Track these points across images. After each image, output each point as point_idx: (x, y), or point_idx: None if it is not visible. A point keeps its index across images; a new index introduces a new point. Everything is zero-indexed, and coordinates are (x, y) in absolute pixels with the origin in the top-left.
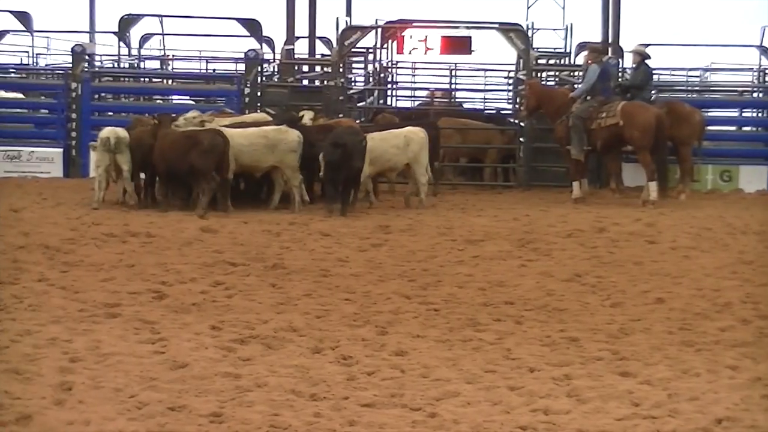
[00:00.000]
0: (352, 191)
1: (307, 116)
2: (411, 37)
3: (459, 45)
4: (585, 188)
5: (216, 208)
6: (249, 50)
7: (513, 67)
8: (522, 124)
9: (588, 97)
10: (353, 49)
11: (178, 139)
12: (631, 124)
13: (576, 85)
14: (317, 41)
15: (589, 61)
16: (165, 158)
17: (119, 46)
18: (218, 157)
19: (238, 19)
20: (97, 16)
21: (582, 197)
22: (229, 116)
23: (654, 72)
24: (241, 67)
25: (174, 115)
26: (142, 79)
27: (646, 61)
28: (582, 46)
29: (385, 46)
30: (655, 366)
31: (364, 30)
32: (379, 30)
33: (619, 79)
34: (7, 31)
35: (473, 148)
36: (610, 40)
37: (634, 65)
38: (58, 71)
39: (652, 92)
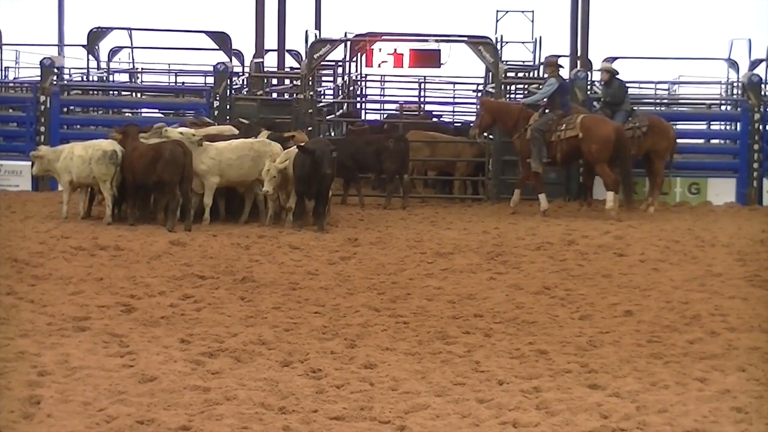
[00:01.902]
0: (326, 204)
1: (262, 135)
2: (380, 50)
3: (428, 58)
4: (545, 203)
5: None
6: (218, 63)
7: (482, 80)
8: (492, 137)
9: (547, 110)
10: (322, 62)
11: (145, 151)
12: (590, 137)
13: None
14: (286, 54)
15: (548, 75)
16: (133, 171)
17: (88, 60)
18: (181, 169)
19: (207, 33)
20: (66, 30)
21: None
22: (207, 125)
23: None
24: (211, 80)
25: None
26: (111, 93)
27: (617, 76)
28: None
29: (355, 59)
30: (624, 378)
31: (334, 43)
32: (349, 43)
33: (598, 96)
34: None
35: (442, 161)
36: (578, 54)
37: (603, 82)
38: (27, 84)
39: (632, 106)
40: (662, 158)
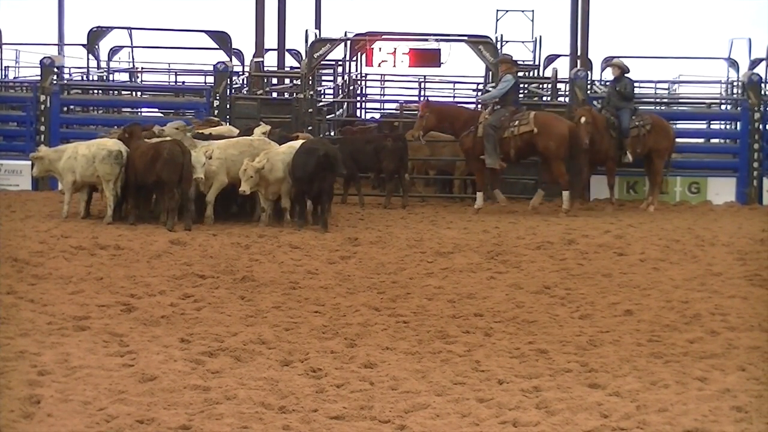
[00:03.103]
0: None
1: (259, 131)
2: (380, 49)
3: (428, 57)
4: (480, 202)
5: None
6: (218, 63)
7: (482, 80)
8: None
9: (498, 107)
10: (322, 62)
11: (145, 150)
12: (546, 133)
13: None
14: (286, 54)
15: (503, 72)
16: (134, 170)
17: (88, 59)
18: (180, 168)
19: (207, 32)
20: (66, 29)
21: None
22: (215, 124)
23: None
24: (211, 79)
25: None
26: (111, 92)
27: (627, 74)
28: (551, 59)
29: (355, 58)
30: (624, 378)
31: (334, 42)
32: (349, 42)
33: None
34: None
35: (443, 161)
36: (578, 53)
37: (613, 78)
38: (27, 84)
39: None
40: (663, 157)
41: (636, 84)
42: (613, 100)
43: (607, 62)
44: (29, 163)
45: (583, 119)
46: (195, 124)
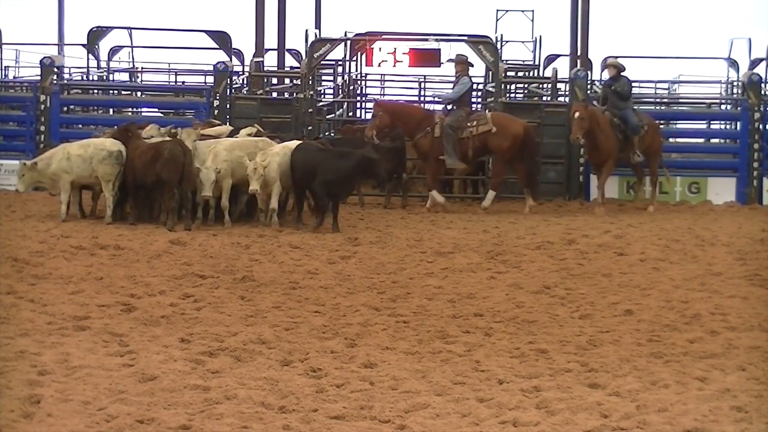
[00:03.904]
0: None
1: (245, 132)
2: (380, 49)
3: (428, 57)
4: (440, 198)
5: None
6: (218, 62)
7: (482, 80)
8: None
9: (455, 107)
10: (322, 62)
11: (145, 150)
12: (503, 133)
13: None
14: (286, 53)
15: (459, 73)
16: (134, 170)
17: (88, 59)
18: (181, 168)
19: (207, 32)
20: (66, 29)
21: (438, 206)
22: (213, 126)
23: None
24: (211, 79)
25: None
26: (111, 92)
27: (623, 73)
28: (551, 59)
29: (354, 58)
30: (624, 377)
31: (334, 42)
32: (349, 42)
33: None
34: None
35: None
36: (578, 53)
37: (610, 78)
38: (27, 84)
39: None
40: (658, 157)
41: (636, 84)
42: (612, 100)
43: (604, 63)
44: None
45: (577, 114)
46: (195, 125)
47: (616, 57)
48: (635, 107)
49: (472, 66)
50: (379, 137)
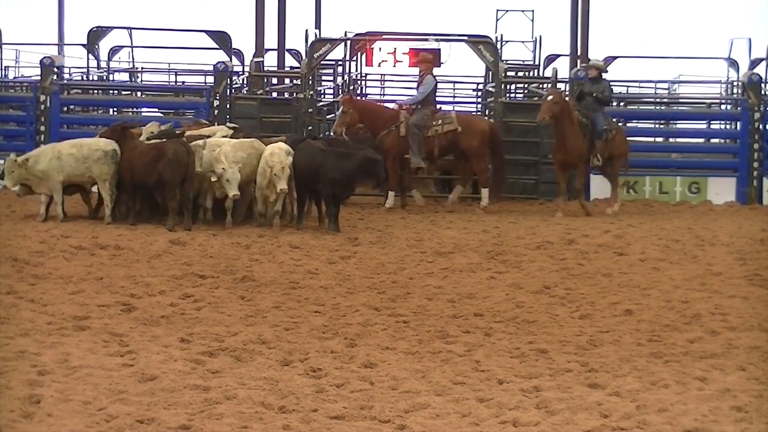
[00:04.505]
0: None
1: (220, 133)
2: (380, 49)
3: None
4: (392, 202)
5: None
6: (218, 63)
7: (482, 80)
8: None
9: (419, 107)
10: (322, 62)
11: (145, 150)
12: (470, 131)
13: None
14: (286, 53)
15: (422, 72)
16: (133, 170)
17: (88, 59)
18: (185, 169)
19: (207, 32)
20: (66, 29)
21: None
22: (202, 126)
23: (622, 84)
24: (211, 79)
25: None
26: (111, 92)
27: (603, 75)
28: (551, 59)
29: (355, 58)
30: (624, 377)
31: (334, 42)
32: (349, 42)
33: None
34: None
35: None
36: (578, 53)
37: (589, 79)
38: (27, 84)
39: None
40: (620, 160)
41: (636, 84)
42: (589, 102)
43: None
44: None
45: (550, 97)
46: (185, 125)
47: (615, 58)
48: (625, 107)
49: (439, 66)
50: (348, 134)
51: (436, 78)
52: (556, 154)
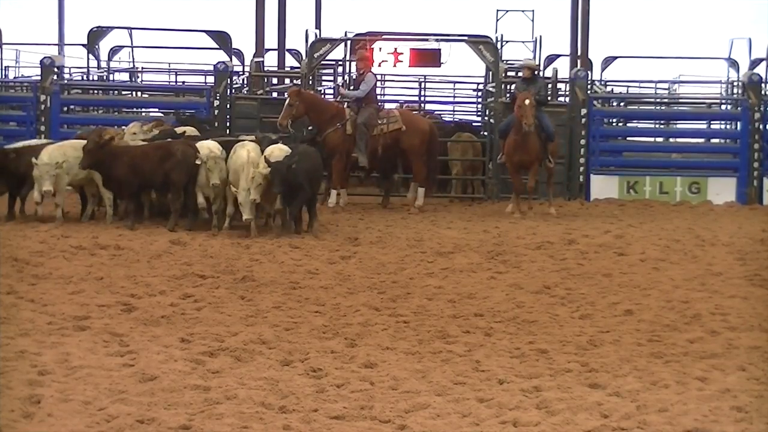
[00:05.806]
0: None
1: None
2: (380, 49)
3: (428, 57)
4: (344, 200)
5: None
6: (218, 62)
7: (482, 80)
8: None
9: (363, 105)
10: (323, 62)
11: (149, 151)
12: (412, 131)
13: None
14: (287, 53)
15: (362, 70)
16: (137, 171)
17: (88, 59)
18: (191, 170)
19: (207, 32)
20: (66, 29)
21: (341, 207)
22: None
23: (622, 84)
24: (211, 79)
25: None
26: (112, 92)
27: (537, 74)
28: (551, 59)
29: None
30: (624, 378)
31: (334, 42)
32: (349, 42)
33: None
34: None
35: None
36: (578, 53)
37: (522, 79)
38: (27, 84)
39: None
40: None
41: (636, 84)
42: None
43: (521, 63)
44: None
45: (527, 101)
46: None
47: (615, 58)
48: (626, 107)
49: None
50: (294, 126)
51: (376, 76)
52: (513, 155)
